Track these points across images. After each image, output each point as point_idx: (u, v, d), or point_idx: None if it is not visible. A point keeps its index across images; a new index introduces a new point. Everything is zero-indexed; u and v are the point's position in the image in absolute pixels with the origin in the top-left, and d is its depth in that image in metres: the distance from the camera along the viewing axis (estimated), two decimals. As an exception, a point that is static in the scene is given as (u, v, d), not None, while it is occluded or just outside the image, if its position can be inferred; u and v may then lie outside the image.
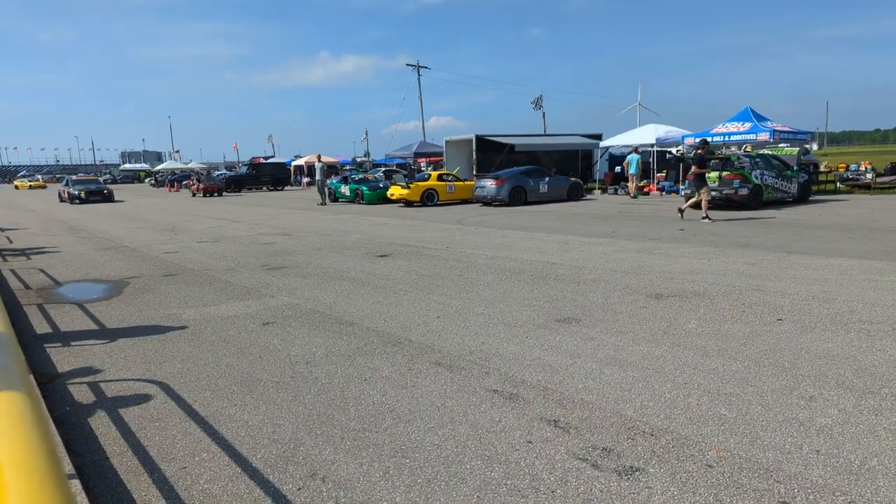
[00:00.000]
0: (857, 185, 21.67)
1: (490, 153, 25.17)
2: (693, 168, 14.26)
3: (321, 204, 24.30)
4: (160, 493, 3.04)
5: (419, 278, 8.25)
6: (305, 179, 43.80)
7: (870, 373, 4.18)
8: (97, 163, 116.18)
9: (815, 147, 33.42)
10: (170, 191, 45.20)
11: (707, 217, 13.84)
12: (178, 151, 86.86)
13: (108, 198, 31.00)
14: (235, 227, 16.71)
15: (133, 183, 69.70)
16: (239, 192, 38.18)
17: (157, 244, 13.06)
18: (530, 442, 3.40)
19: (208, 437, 3.63)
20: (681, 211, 14.52)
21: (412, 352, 5.07)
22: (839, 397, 3.80)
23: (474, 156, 24.86)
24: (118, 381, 4.65)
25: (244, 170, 42.24)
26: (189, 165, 67.95)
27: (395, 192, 22.36)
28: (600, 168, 27.77)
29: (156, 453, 3.44)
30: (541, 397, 4.01)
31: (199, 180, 34.92)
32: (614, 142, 26.25)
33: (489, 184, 20.58)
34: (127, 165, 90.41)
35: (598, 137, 28.53)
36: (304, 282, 8.32)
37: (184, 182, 45.30)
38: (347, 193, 25.00)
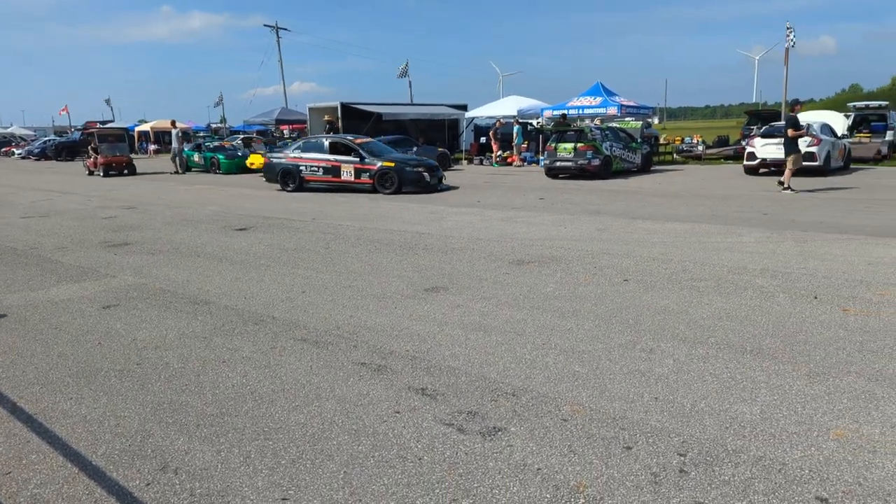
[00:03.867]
0: (690, 156, 24.09)
1: (356, 121, 24.61)
2: (789, 132, 12.65)
3: (175, 173, 22.44)
4: (-24, 506, 2.65)
5: (283, 252, 7.91)
6: (152, 147, 40.15)
7: (699, 325, 4.67)
8: None
9: (656, 121, 36.62)
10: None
11: (789, 188, 12.68)
12: (-7, 114, 75.52)
13: None
14: (68, 199, 14.94)
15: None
16: (72, 159, 34.11)
17: (-30, 221, 11.31)
18: (398, 412, 3.40)
19: (38, 437, 3.22)
20: (780, 184, 12.98)
21: (276, 329, 4.86)
22: (674, 348, 4.21)
23: (339, 123, 24.17)
24: (-81, 382, 3.97)
25: (77, 135, 37.75)
26: (9, 130, 59.45)
27: (256, 160, 21.21)
28: (466, 138, 28.30)
29: (-31, 462, 2.99)
30: (409, 367, 4.02)
31: (95, 150, 23.24)
32: (479, 112, 26.84)
33: (356, 153, 20.17)
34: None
35: (464, 108, 28.99)
36: (152, 259, 7.65)
37: (2, 149, 39.45)
38: (201, 163, 23.28)
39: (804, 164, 13.86)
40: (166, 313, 5.35)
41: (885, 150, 20.02)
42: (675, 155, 24.60)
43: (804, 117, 21.46)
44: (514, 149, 23.42)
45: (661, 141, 26.56)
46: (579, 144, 17.13)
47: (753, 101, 70.70)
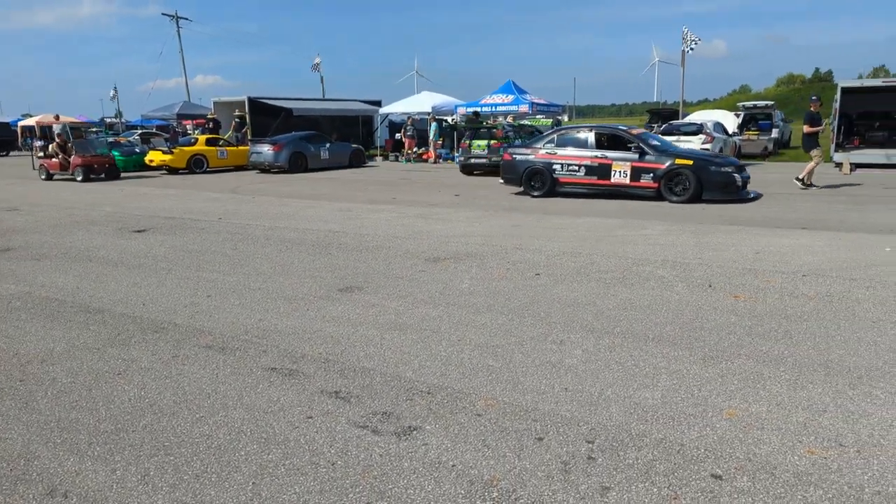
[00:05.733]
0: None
1: (266, 117, 23.82)
2: (805, 127, 12.58)
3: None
4: None
5: (186, 254, 7.51)
6: (38, 143, 36.97)
7: (606, 315, 4.87)
8: None
9: (566, 118, 37.87)
10: None
11: (811, 184, 12.52)
12: None
13: None
14: (-59, 201, 13.49)
15: None
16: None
17: None
18: (311, 417, 3.30)
19: None
20: (799, 180, 12.66)
21: (178, 337, 4.59)
22: (583, 339, 4.36)
23: (248, 119, 23.28)
24: None
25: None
26: None
27: (156, 158, 20.06)
28: (381, 135, 28.09)
29: None
30: (322, 370, 3.92)
31: (62, 148, 18.51)
32: (393, 109, 26.70)
33: (266, 149, 19.53)
34: None
35: (378, 104, 28.76)
36: (37, 265, 7.03)
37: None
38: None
39: None
40: (53, 324, 4.93)
41: (770, 146, 21.80)
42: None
43: (696, 117, 22.94)
44: (430, 145, 23.51)
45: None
46: (493, 141, 17.43)
47: (655, 100, 74.93)
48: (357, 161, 22.10)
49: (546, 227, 8.99)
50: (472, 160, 17.74)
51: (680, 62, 25.01)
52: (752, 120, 23.79)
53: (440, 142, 23.98)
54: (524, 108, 22.16)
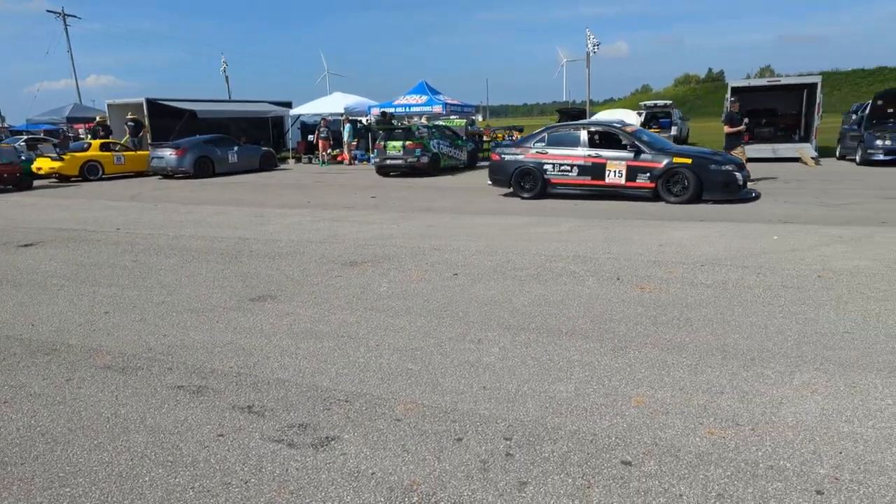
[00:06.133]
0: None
1: (167, 119, 22.62)
2: (726, 127, 13.10)
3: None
4: None
5: (80, 268, 6.99)
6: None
7: (522, 312, 4.97)
8: None
9: (479, 118, 38.50)
10: None
11: None
12: None
13: None
14: None
15: None
16: None
17: None
18: (221, 435, 3.15)
19: None
20: None
21: (72, 358, 4.26)
22: (500, 336, 4.43)
23: (146, 122, 22.02)
24: None
25: None
26: None
27: (44, 165, 18.55)
28: (293, 137, 27.38)
29: None
30: (233, 385, 3.76)
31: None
32: (305, 110, 26.08)
33: (168, 154, 18.56)
34: None
35: (289, 105, 28.03)
36: None
37: None
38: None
39: None
40: (-76, 352, 4.44)
41: None
42: (497, 151, 26.05)
43: (602, 116, 23.97)
44: (345, 147, 23.17)
45: (486, 138, 28.00)
46: (408, 142, 17.41)
47: (564, 99, 77.66)
48: (268, 164, 21.42)
49: (463, 226, 9.09)
50: (388, 161, 17.65)
51: (586, 63, 26.08)
52: (654, 118, 25.20)
53: (355, 143, 23.69)
54: (438, 108, 22.30)
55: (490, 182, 12.77)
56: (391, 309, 5.16)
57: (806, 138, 18.57)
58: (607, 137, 11.53)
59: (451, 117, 23.43)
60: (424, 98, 22.63)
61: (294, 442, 3.06)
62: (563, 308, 5.02)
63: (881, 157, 15.26)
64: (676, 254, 6.80)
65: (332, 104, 24.75)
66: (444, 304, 5.23)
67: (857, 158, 15.86)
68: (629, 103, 62.95)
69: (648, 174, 10.84)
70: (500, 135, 31.55)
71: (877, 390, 3.37)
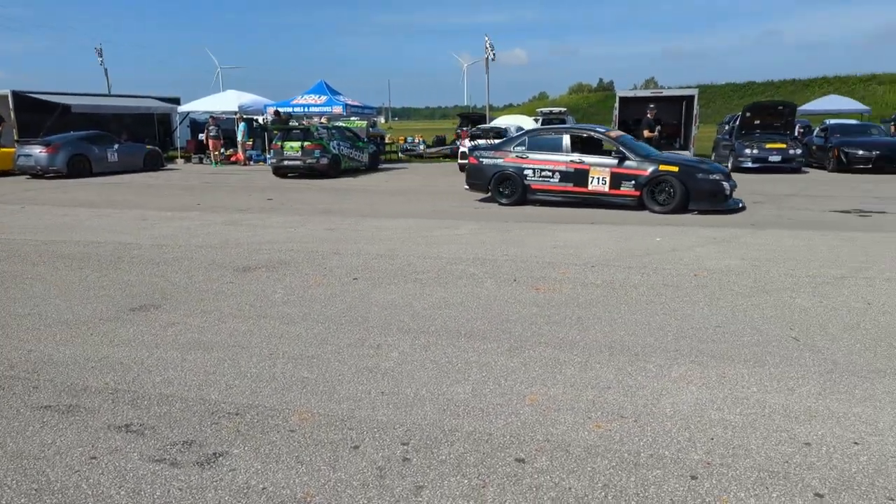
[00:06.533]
0: (413, 155, 25.80)
1: (37, 114, 20.64)
2: (645, 132, 13.43)
3: None
4: None
5: (-72, 278, 6.19)
6: None
7: (422, 315, 4.98)
8: None
9: (382, 120, 38.34)
10: None
11: None
12: None
13: None
14: None
15: None
16: None
17: None
18: (94, 458, 2.90)
19: None
20: None
21: (-88, 381, 3.75)
22: (399, 341, 4.41)
23: (12, 116, 19.99)
24: None
25: None
26: None
27: None
28: (182, 135, 25.87)
29: None
30: (109, 402, 3.47)
31: None
32: (196, 107, 24.71)
33: (38, 151, 16.93)
34: None
35: (177, 101, 26.48)
36: None
37: None
38: None
39: None
40: None
41: None
42: (400, 154, 26.10)
43: (501, 121, 24.62)
44: (239, 146, 22.22)
45: (388, 140, 27.93)
46: (306, 143, 16.98)
47: (465, 104, 79.07)
48: (153, 164, 20.09)
49: (363, 229, 8.98)
50: (286, 162, 17.12)
51: (485, 69, 26.69)
52: (550, 124, 26.22)
53: (251, 143, 22.79)
54: (338, 109, 21.96)
55: (467, 187, 12.24)
56: (286, 316, 4.99)
57: (685, 146, 20.10)
58: (591, 143, 11.23)
59: (352, 119, 23.15)
60: (324, 98, 22.21)
61: (177, 461, 2.87)
62: (463, 310, 5.08)
63: (750, 164, 16.93)
64: (569, 255, 7.10)
65: (226, 102, 23.64)
66: (343, 310, 5.13)
67: (729, 165, 17.37)
68: (527, 109, 65.25)
69: (633, 182, 10.45)
70: (401, 138, 31.63)
71: (744, 379, 3.69)
